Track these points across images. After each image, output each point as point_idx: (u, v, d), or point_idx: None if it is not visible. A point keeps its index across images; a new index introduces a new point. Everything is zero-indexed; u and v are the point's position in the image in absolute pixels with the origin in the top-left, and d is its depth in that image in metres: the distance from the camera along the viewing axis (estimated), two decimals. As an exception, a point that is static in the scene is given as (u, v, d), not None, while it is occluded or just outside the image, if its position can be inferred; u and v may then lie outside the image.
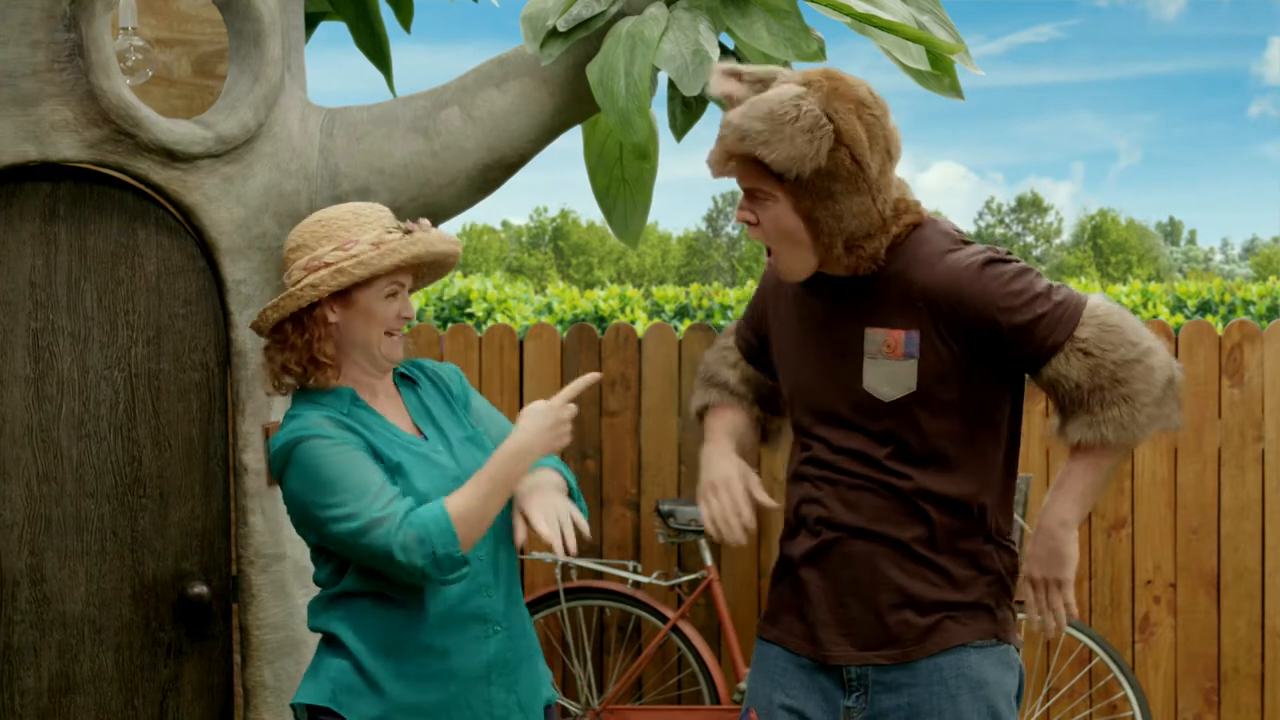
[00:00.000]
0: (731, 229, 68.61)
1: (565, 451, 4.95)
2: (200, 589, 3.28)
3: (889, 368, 2.63)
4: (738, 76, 2.62)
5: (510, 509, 2.71)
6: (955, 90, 3.55)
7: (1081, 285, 12.77)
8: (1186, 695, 5.12)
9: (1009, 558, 2.72)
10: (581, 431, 5.16)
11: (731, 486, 2.75)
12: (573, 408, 2.68)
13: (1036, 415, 4.69)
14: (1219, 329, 5.39)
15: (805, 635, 2.72)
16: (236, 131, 3.25)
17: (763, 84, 2.60)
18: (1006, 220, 71.95)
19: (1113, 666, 4.91)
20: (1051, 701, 5.12)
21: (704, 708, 4.91)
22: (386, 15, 4.08)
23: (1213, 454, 5.11)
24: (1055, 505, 2.66)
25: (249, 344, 3.30)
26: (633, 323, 9.67)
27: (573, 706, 5.15)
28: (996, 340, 2.59)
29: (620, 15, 3.41)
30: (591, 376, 2.72)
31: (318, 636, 2.76)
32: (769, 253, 2.69)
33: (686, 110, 3.43)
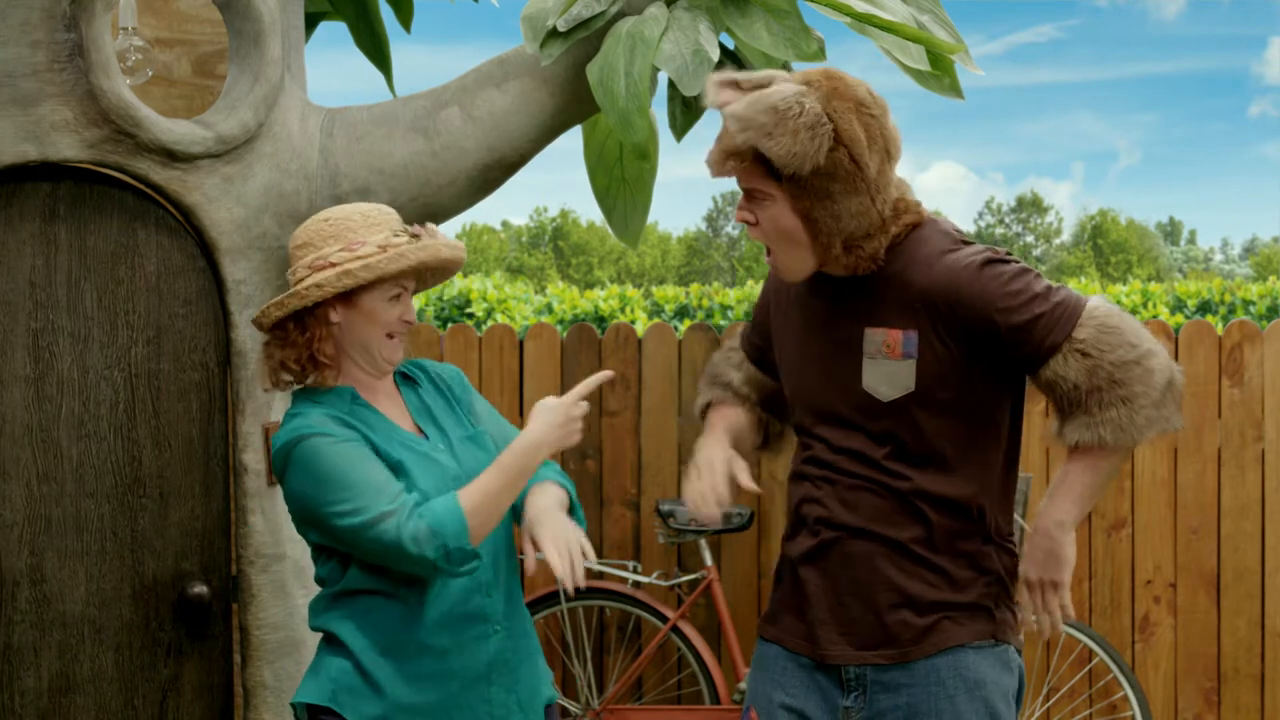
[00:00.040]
0: (731, 229, 68.63)
1: (565, 451, 4.95)
2: (200, 589, 3.28)
3: (888, 368, 2.63)
4: (735, 85, 2.62)
5: (511, 512, 2.72)
6: (955, 90, 3.55)
7: (1081, 285, 12.77)
8: (1186, 695, 5.12)
9: (1008, 558, 2.72)
10: (581, 431, 5.15)
11: (714, 468, 2.75)
12: (584, 405, 2.68)
13: (1036, 415, 4.68)
14: (1219, 329, 5.39)
15: (804, 634, 2.72)
16: (236, 131, 3.25)
17: (761, 90, 2.60)
18: (1006, 220, 71.97)
19: (1113, 666, 4.91)
20: (1051, 701, 5.12)
21: (704, 708, 4.91)
22: (386, 15, 4.08)
23: (1213, 454, 5.11)
24: (1052, 506, 2.65)
25: (249, 344, 3.30)
26: (633, 323, 9.66)
27: (573, 706, 5.15)
28: (995, 340, 2.59)
29: (620, 15, 3.41)
30: (604, 375, 2.72)
31: (318, 636, 2.76)
32: (768, 252, 2.69)
33: (686, 110, 3.43)
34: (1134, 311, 11.66)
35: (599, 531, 5.23)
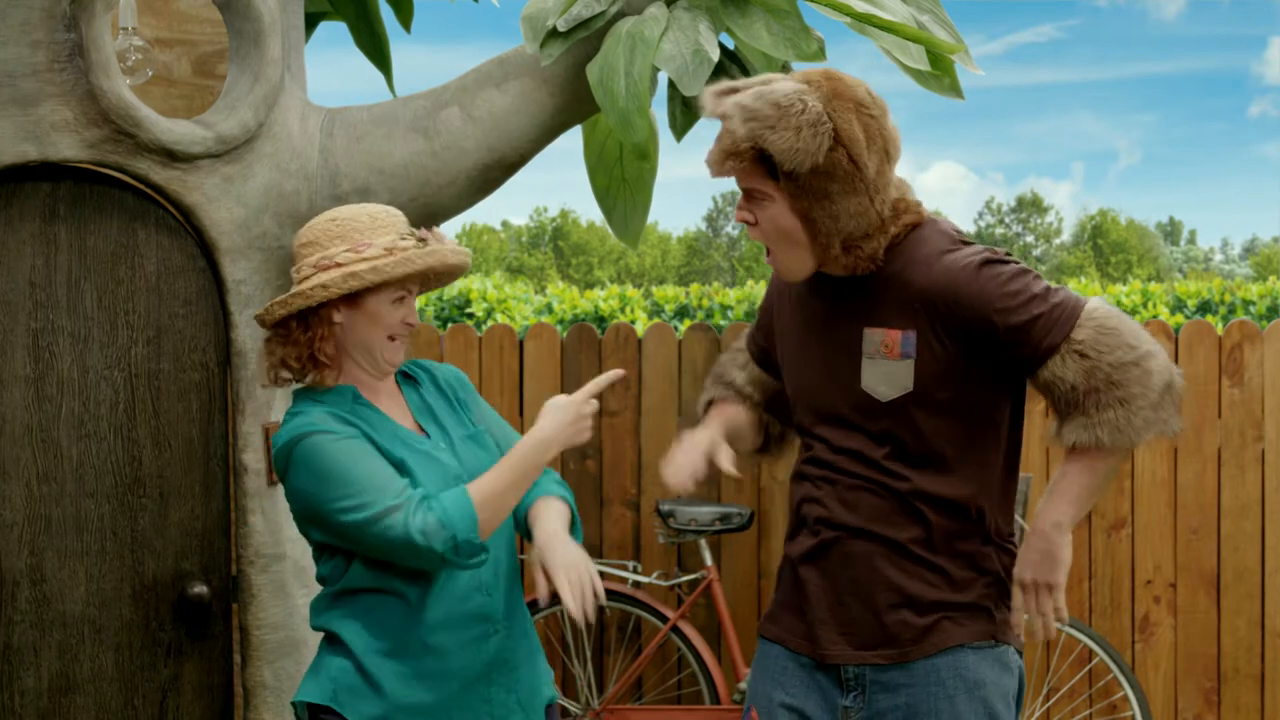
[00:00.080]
0: (731, 229, 68.63)
1: (566, 451, 4.95)
2: (200, 589, 3.29)
3: (886, 368, 2.63)
4: (734, 92, 2.62)
5: (511, 515, 2.72)
6: (955, 90, 3.55)
7: (1081, 286, 12.77)
8: (1186, 695, 5.12)
9: (1008, 559, 2.71)
10: (581, 431, 5.15)
11: (695, 444, 2.80)
12: (594, 403, 2.69)
13: (1036, 415, 4.68)
14: (1219, 329, 5.39)
15: (804, 634, 2.72)
16: (236, 131, 3.25)
17: (764, 85, 2.61)
18: (1006, 220, 71.97)
19: (1113, 666, 4.91)
20: (1051, 701, 5.12)
21: (704, 708, 4.91)
22: (386, 15, 4.08)
23: (1213, 454, 5.11)
24: (1049, 507, 2.65)
25: (249, 344, 3.30)
26: (633, 323, 9.66)
27: (573, 706, 5.15)
28: (993, 341, 2.59)
29: (620, 15, 3.41)
30: (615, 374, 2.74)
31: (318, 636, 2.77)
32: (768, 252, 2.69)
33: (686, 110, 3.43)
34: (1134, 312, 11.66)
35: (599, 531, 5.23)
